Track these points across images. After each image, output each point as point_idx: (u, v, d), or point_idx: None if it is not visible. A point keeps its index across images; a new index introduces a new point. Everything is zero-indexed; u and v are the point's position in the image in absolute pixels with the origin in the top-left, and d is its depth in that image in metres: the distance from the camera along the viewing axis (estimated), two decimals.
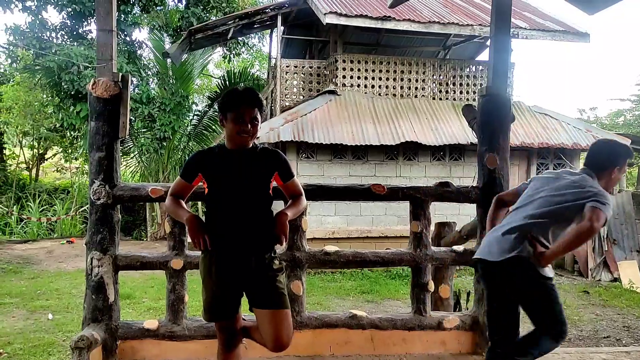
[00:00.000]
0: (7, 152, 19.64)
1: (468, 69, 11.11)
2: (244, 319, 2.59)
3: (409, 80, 10.69)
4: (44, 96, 14.36)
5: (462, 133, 9.63)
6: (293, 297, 3.32)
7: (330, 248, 3.48)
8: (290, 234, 3.42)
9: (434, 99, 10.77)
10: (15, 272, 8.62)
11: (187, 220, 2.39)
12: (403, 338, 3.48)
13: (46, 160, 20.74)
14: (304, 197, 2.61)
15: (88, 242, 3.28)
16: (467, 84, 10.96)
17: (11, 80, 16.75)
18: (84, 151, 14.52)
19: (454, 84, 10.91)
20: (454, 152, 10.06)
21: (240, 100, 2.39)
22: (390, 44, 12.45)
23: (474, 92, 10.84)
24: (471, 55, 12.79)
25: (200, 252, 2.49)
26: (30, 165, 19.46)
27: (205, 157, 2.47)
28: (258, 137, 2.47)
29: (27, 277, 8.22)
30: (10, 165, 19.25)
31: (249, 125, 2.36)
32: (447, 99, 10.83)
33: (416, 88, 10.73)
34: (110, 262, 3.27)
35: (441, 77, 10.92)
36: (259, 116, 2.41)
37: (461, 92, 10.90)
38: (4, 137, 19.10)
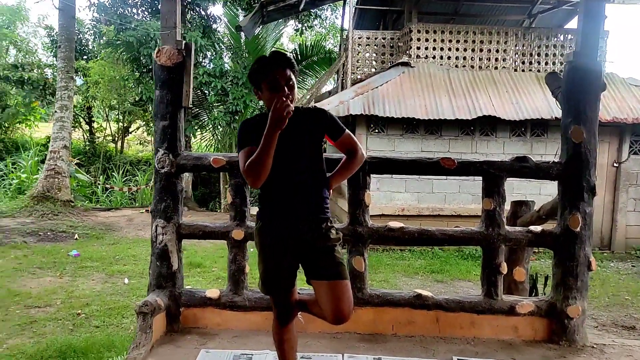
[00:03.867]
0: (95, 125, 20.87)
1: (555, 38, 10.31)
2: (299, 293, 2.51)
3: (489, 50, 10.09)
4: (126, 71, 14.96)
5: (546, 107, 9.00)
6: (355, 273, 3.21)
7: (395, 224, 3.33)
8: (352, 208, 3.30)
9: (515, 70, 10.11)
10: (98, 238, 9.13)
11: (268, 129, 2.10)
12: (471, 321, 3.29)
13: (130, 133, 21.81)
14: (360, 152, 2.43)
15: (153, 210, 3.32)
16: (554, 54, 10.18)
17: (97, 56, 17.61)
18: None
19: (538, 55, 10.17)
20: (536, 127, 9.44)
21: (271, 65, 2.24)
22: (470, 13, 11.79)
23: (561, 63, 10.07)
24: (559, 23, 11.87)
25: (255, 223, 2.43)
26: (116, 138, 20.54)
27: (254, 124, 2.33)
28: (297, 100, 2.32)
29: (108, 243, 8.68)
30: (98, 137, 20.45)
31: (287, 90, 2.19)
32: (530, 70, 10.14)
33: (496, 59, 10.11)
34: (174, 230, 3.29)
35: (524, 47, 10.20)
36: (293, 78, 2.26)
37: (546, 63, 10.16)
38: (92, 111, 20.29)
